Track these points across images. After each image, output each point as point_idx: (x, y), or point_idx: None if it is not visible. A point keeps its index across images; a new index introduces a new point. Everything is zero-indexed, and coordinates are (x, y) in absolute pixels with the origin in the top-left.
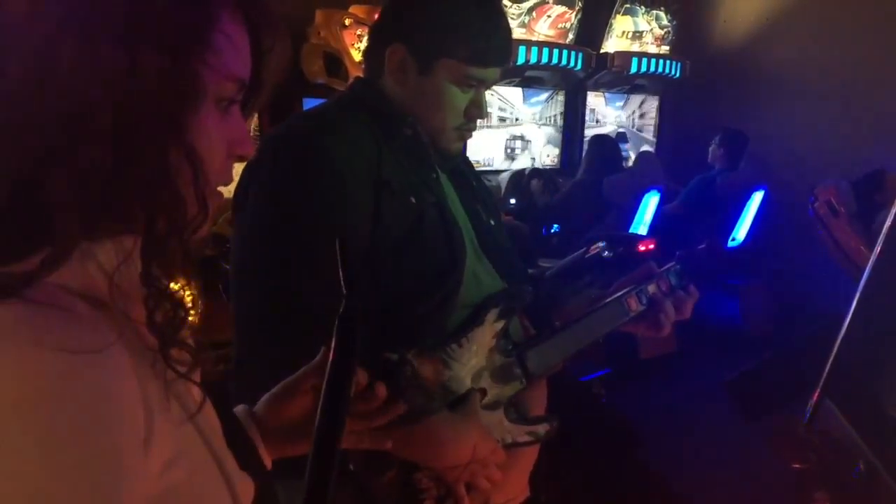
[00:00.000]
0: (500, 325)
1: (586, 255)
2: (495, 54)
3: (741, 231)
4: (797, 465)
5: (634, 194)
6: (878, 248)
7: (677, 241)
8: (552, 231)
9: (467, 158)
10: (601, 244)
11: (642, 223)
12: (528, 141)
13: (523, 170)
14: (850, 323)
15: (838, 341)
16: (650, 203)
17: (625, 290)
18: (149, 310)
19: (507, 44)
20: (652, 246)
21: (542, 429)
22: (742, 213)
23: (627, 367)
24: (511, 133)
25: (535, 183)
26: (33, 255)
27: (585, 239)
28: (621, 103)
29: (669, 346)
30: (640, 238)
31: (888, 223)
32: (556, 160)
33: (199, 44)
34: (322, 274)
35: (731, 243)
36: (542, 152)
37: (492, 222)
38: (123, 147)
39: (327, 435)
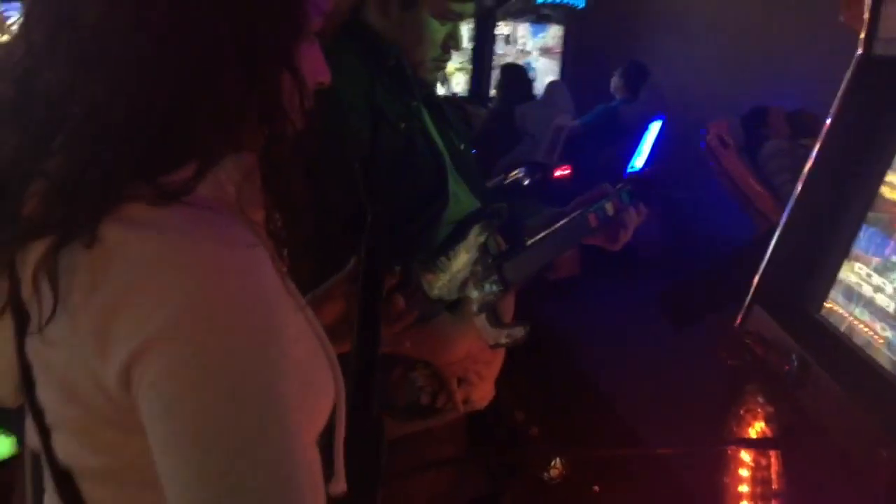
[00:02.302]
0: (481, 239)
1: (505, 182)
2: None
3: (639, 159)
4: (731, 362)
5: (545, 122)
6: (808, 166)
7: (581, 168)
8: None
9: (434, 90)
10: (520, 171)
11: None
12: None
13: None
14: (778, 236)
15: (768, 252)
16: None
17: (585, 209)
18: (268, 214)
19: None
20: (567, 171)
21: (518, 332)
22: (640, 143)
23: (537, 287)
24: None
25: None
26: (180, 169)
27: (500, 166)
28: (531, 32)
29: (574, 268)
30: (555, 164)
31: (820, 140)
32: (464, 89)
33: None
34: (328, 198)
35: (629, 170)
36: (452, 81)
37: (462, 147)
38: (249, 76)
39: (368, 328)
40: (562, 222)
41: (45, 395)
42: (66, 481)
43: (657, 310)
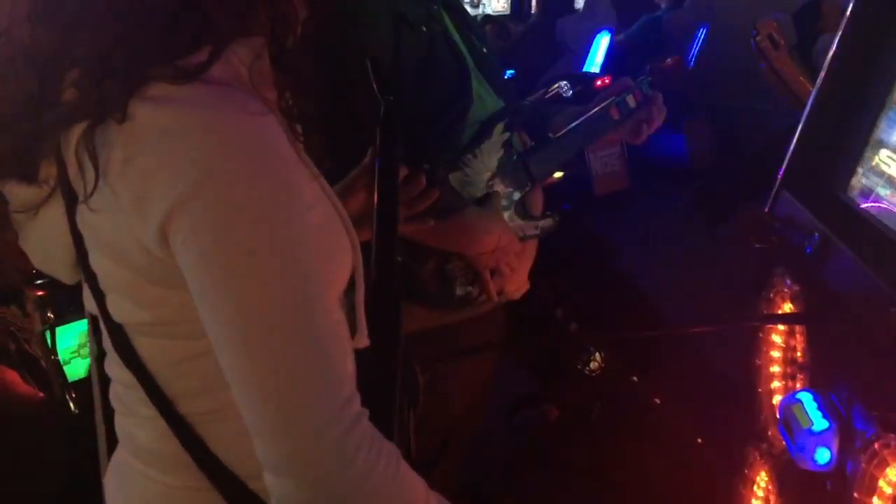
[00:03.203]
0: (505, 136)
1: (546, 96)
2: None
3: None
4: (758, 245)
5: (587, 36)
6: (831, 52)
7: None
8: (507, 76)
9: None
10: (560, 84)
11: (594, 63)
12: None
13: (474, 17)
14: (804, 122)
15: (795, 139)
16: (601, 43)
17: (607, 102)
18: (280, 92)
19: None
20: (608, 82)
21: (546, 222)
22: (689, 51)
23: (584, 204)
24: None
25: (487, 29)
26: (196, 52)
27: (542, 81)
28: None
29: (622, 183)
30: (596, 76)
31: (842, 25)
32: (506, 6)
33: None
34: (353, 97)
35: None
36: None
37: (484, 49)
38: None
39: (387, 213)
40: (585, 116)
41: (97, 260)
42: (120, 338)
43: (695, 210)
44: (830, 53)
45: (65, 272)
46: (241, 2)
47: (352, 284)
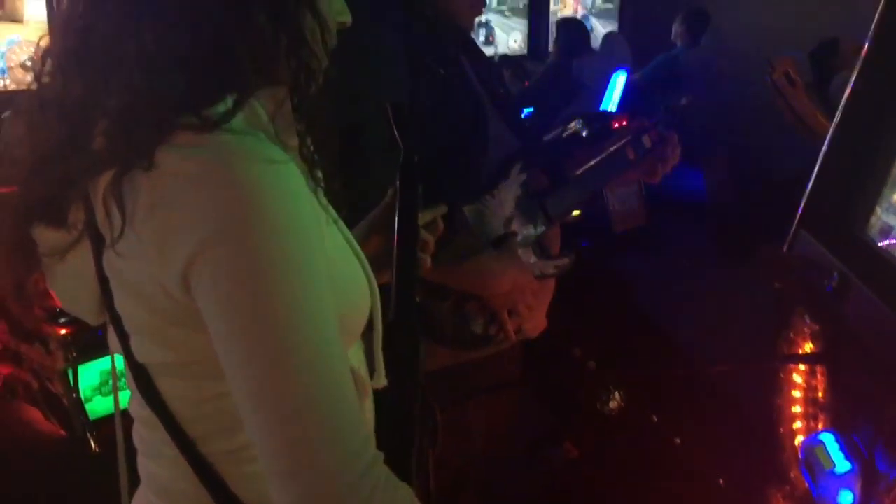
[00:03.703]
0: (523, 177)
1: (563, 135)
2: None
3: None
4: (778, 285)
5: (603, 75)
6: (848, 91)
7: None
8: (525, 115)
9: (472, 38)
10: (577, 123)
11: (611, 102)
12: (492, 28)
13: (492, 57)
14: (822, 162)
15: (812, 178)
16: (618, 82)
17: (623, 142)
18: (301, 140)
19: None
20: (625, 122)
21: (564, 262)
22: (705, 89)
23: (603, 240)
24: (477, 20)
25: (505, 73)
26: (220, 101)
27: (558, 120)
28: None
29: (640, 219)
30: (613, 115)
31: (859, 64)
32: (523, 45)
33: None
34: (371, 143)
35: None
36: (509, 38)
37: (501, 90)
38: (275, 18)
39: (407, 255)
40: (601, 156)
41: (122, 303)
42: (143, 378)
43: (714, 248)
44: (847, 91)
45: (90, 313)
46: (266, 53)
47: (370, 326)
